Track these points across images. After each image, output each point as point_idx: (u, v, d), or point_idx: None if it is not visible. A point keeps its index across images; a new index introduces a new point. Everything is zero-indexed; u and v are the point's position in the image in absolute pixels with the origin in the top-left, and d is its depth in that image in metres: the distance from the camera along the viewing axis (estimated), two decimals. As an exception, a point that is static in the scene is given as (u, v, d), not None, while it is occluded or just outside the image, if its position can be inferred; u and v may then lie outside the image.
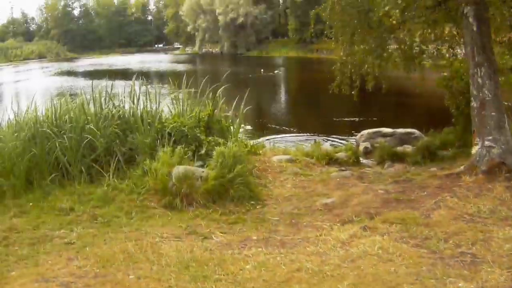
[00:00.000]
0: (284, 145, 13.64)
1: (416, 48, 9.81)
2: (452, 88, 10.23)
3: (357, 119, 19.02)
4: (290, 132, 17.13)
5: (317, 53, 75.66)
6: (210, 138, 8.85)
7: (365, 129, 13.11)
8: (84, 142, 8.25)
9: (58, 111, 9.32)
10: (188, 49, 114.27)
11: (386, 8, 6.53)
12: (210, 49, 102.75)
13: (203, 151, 8.44)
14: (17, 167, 7.90)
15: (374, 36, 9.51)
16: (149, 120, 9.02)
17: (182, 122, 8.94)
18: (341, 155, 10.47)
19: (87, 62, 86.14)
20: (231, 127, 10.35)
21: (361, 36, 9.68)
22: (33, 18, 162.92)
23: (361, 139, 12.61)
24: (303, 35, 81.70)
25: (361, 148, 11.81)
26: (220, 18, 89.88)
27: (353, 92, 10.48)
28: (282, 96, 30.24)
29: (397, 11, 6.51)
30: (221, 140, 8.77)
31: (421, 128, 12.48)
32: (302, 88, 34.51)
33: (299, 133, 16.70)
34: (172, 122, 9.02)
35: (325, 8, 10.14)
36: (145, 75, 45.06)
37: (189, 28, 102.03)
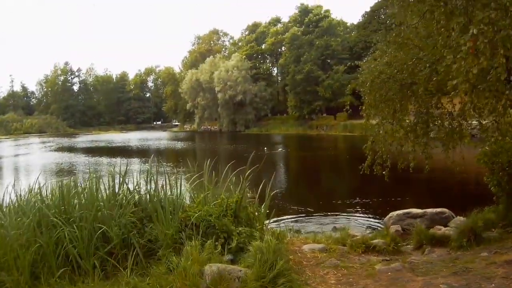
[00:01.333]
0: (302, 227, 13.02)
1: (461, 122, 9.27)
2: (493, 164, 9.52)
3: (380, 199, 18.17)
4: (307, 213, 16.09)
5: (317, 129, 76.93)
6: (240, 228, 7.84)
7: (385, 208, 12.83)
8: (98, 233, 7.18)
9: (66, 194, 8.17)
10: (187, 127, 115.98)
11: (454, 82, 5.88)
12: (209, 127, 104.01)
13: (233, 244, 7.43)
14: (21, 260, 6.84)
15: (419, 110, 9.01)
16: (170, 208, 7.94)
17: (207, 211, 7.85)
18: (378, 242, 9.51)
19: (87, 138, 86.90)
20: (256, 213, 9.08)
21: (403, 112, 9.20)
22: (33, 92, 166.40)
23: (390, 221, 11.89)
24: (302, 112, 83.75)
25: (392, 231, 10.83)
26: (219, 95, 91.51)
27: (384, 172, 9.94)
28: (291, 175, 29.54)
29: (467, 84, 5.86)
30: (256, 233, 7.83)
31: (450, 207, 11.76)
32: (309, 166, 34.02)
33: (317, 214, 15.74)
34: (197, 210, 7.90)
35: (364, 83, 9.61)
36: (147, 153, 45.52)
37: (188, 106, 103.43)
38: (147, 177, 8.83)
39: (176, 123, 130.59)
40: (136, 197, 8.21)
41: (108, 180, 8.65)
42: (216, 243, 7.24)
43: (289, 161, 36.74)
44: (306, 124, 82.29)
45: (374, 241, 9.58)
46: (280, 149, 39.41)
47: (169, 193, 8.61)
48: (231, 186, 9.13)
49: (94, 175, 8.92)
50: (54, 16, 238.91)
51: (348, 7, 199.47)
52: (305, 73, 79.46)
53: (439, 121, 9.48)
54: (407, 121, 9.57)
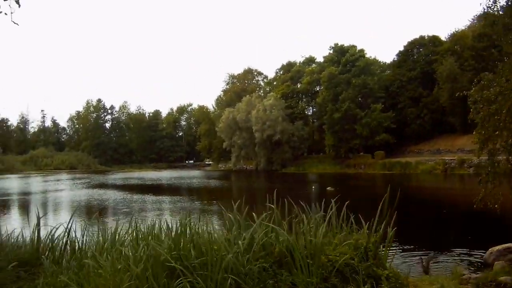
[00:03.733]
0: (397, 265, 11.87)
1: None
2: None
3: (462, 235, 18.52)
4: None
5: (354, 168, 79.11)
6: (386, 272, 7.33)
7: (471, 243, 13.26)
8: (227, 282, 6.27)
9: (175, 236, 7.41)
10: (221, 166, 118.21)
11: None
12: (244, 166, 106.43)
13: (386, 291, 6.89)
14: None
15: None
16: (306, 252, 7.11)
17: (347, 254, 7.32)
18: (505, 279, 9.27)
19: (122, 176, 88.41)
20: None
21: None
22: (64, 128, 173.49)
23: (491, 257, 11.98)
24: (339, 151, 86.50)
25: (497, 267, 10.67)
26: (257, 134, 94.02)
27: (496, 206, 10.17)
28: (364, 211, 29.40)
29: None
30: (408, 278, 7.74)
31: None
32: (370, 203, 34.20)
33: (407, 250, 15.35)
34: (337, 253, 7.32)
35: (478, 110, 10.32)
36: (196, 192, 47.10)
37: (224, 144, 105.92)
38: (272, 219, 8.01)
39: (209, 162, 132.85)
40: (264, 240, 7.25)
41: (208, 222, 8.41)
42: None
43: (349, 199, 37.93)
44: (343, 163, 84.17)
45: (502, 278, 9.38)
46: (328, 188, 40.17)
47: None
48: (344, 226, 8.59)
49: (184, 213, 8.53)
50: (87, 52, 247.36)
51: (378, 45, 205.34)
52: (343, 112, 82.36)
53: None
54: None
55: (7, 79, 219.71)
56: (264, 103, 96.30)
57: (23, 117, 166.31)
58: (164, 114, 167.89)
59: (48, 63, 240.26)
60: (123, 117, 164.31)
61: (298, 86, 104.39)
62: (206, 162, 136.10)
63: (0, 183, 67.56)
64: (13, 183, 66.57)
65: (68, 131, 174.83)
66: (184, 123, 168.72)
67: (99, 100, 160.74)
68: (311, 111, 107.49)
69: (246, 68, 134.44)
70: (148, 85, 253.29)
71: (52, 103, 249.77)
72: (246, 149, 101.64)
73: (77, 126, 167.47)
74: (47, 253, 8.13)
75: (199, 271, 6.30)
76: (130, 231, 8.58)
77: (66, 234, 8.51)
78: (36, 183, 66.88)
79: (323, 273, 6.84)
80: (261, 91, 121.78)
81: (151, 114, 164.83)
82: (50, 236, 8.82)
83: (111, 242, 7.92)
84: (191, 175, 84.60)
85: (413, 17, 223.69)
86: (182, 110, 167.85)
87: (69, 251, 8.31)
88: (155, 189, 51.50)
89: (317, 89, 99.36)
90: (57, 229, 9.00)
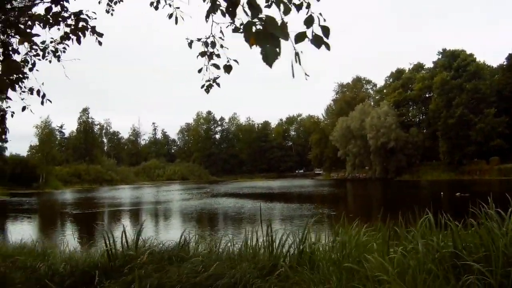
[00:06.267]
0: None
1: None
2: None
3: None
4: None
5: (469, 175, 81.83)
6: None
7: None
8: None
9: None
10: (334, 174, 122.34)
11: None
12: (357, 174, 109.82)
13: None
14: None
15: None
16: None
17: None
18: None
19: (237, 185, 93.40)
20: None
21: None
22: (174, 140, 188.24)
23: None
24: (454, 157, 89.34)
25: None
26: (371, 142, 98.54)
27: None
28: None
29: None
30: None
31: None
32: None
33: None
34: None
35: None
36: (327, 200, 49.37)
37: (339, 153, 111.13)
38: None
39: (319, 172, 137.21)
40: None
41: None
42: None
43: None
44: (457, 169, 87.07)
45: None
46: (458, 194, 41.99)
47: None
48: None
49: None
50: (193, 64, 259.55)
51: (483, 49, 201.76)
52: (457, 118, 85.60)
53: None
54: None
55: (118, 92, 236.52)
56: (378, 111, 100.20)
57: (134, 130, 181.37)
58: (273, 124, 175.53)
59: (157, 76, 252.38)
60: (232, 128, 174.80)
61: (409, 93, 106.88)
62: (316, 172, 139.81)
63: (129, 193, 75.70)
64: (142, 193, 73.64)
65: (178, 143, 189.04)
66: (293, 133, 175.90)
67: (209, 112, 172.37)
68: (420, 118, 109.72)
69: (355, 76, 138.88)
70: (256, 97, 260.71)
71: (161, 116, 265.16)
72: (360, 157, 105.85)
73: (187, 137, 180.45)
74: (282, 259, 7.91)
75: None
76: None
77: (302, 240, 8.14)
78: (158, 192, 74.12)
79: None
80: (371, 99, 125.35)
81: (260, 125, 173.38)
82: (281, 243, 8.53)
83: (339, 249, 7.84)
84: (305, 184, 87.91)
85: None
86: (291, 120, 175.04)
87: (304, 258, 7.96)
88: (287, 197, 54.89)
89: (427, 95, 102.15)
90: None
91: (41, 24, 6.93)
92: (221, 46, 6.29)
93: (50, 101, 7.90)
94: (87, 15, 7.22)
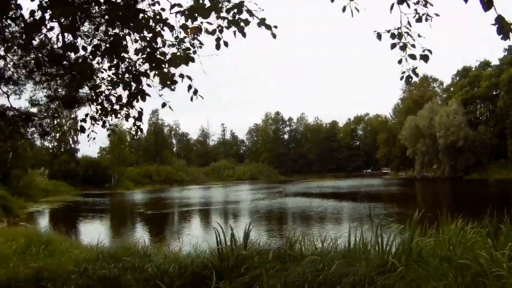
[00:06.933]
0: None
1: None
2: None
3: None
4: None
5: None
6: None
7: None
8: None
9: None
10: (402, 174, 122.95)
11: None
12: (425, 173, 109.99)
13: None
14: None
15: None
16: None
17: None
18: None
19: (307, 185, 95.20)
20: None
21: None
22: (242, 141, 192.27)
23: None
24: None
25: None
26: (440, 141, 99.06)
27: None
28: None
29: None
30: None
31: None
32: None
33: None
34: None
35: None
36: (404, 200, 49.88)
37: (408, 152, 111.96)
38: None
39: (386, 171, 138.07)
40: None
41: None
42: None
43: None
44: None
45: None
46: None
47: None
48: None
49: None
50: (257, 66, 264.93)
51: None
52: None
53: None
54: None
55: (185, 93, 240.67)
56: (446, 109, 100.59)
57: (203, 131, 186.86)
58: (340, 124, 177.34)
59: (223, 79, 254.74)
60: (300, 128, 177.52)
61: (475, 91, 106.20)
62: (384, 171, 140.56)
63: (201, 193, 78.97)
64: (215, 193, 76.53)
65: (246, 143, 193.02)
66: (361, 132, 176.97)
67: (277, 113, 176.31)
68: (488, 115, 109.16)
69: (422, 75, 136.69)
70: (324, 97, 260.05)
71: (230, 117, 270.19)
72: (428, 156, 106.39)
73: (255, 138, 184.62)
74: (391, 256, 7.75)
75: None
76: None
77: (410, 238, 7.98)
78: (230, 192, 76.98)
79: None
80: (438, 98, 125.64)
81: (328, 125, 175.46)
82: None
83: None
84: (375, 183, 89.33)
85: None
86: (359, 120, 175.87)
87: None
88: (362, 196, 56.64)
89: (494, 93, 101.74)
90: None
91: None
92: (419, 35, 6.34)
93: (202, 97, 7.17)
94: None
